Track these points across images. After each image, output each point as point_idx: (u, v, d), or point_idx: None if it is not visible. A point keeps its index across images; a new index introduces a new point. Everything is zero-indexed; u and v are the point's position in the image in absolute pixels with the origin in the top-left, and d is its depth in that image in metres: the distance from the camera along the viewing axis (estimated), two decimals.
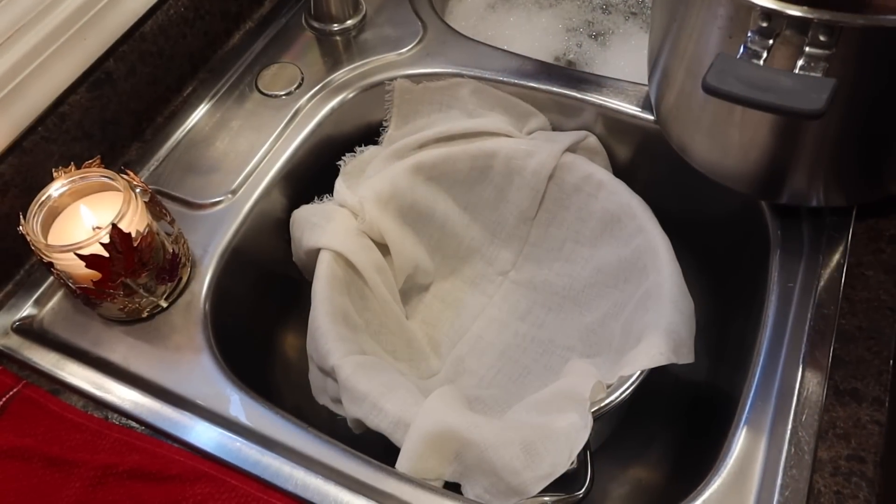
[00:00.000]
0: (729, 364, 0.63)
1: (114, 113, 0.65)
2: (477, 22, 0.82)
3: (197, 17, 0.70)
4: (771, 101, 0.40)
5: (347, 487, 0.48)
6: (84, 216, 0.54)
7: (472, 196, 0.68)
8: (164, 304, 0.57)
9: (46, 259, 0.51)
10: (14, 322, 0.57)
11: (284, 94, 0.69)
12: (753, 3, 0.43)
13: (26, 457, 0.50)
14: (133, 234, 0.51)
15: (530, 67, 0.68)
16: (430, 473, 0.50)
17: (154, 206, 0.56)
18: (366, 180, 0.65)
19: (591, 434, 0.49)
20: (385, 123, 0.69)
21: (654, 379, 0.53)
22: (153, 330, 0.57)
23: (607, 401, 0.51)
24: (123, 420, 0.52)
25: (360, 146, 0.68)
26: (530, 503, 0.48)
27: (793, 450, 0.47)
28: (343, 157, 0.67)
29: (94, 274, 0.51)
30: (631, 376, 0.52)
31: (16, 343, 0.56)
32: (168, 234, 0.57)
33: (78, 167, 0.55)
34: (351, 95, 0.69)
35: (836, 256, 0.55)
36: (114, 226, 0.50)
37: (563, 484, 0.48)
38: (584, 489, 0.49)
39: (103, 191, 0.55)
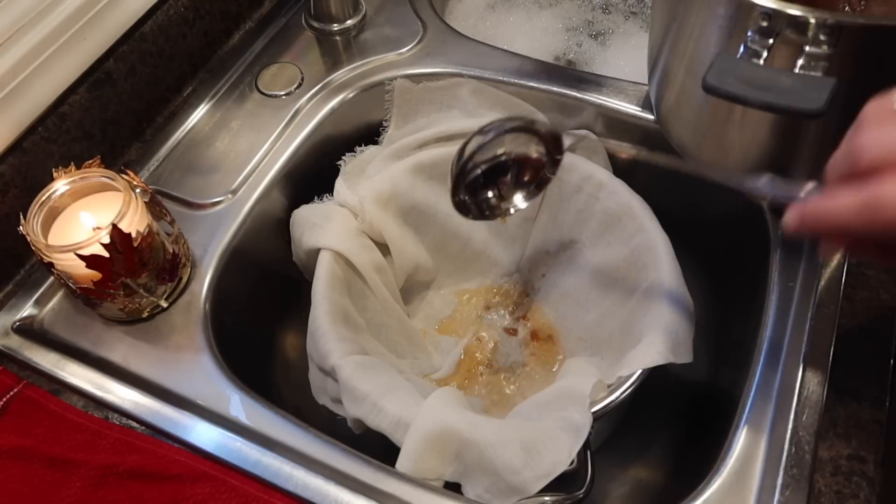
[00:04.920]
0: (729, 364, 0.63)
1: (114, 113, 0.65)
2: (477, 22, 0.82)
3: (197, 17, 0.70)
4: (771, 100, 0.40)
5: (347, 487, 0.48)
6: (84, 216, 0.54)
7: None
8: (165, 304, 0.57)
9: (47, 259, 0.51)
10: (14, 322, 0.57)
11: (284, 94, 0.69)
12: (753, 3, 0.43)
13: (27, 457, 0.50)
14: (133, 235, 0.51)
15: (530, 67, 0.68)
16: (430, 473, 0.50)
17: (154, 206, 0.56)
18: (366, 180, 0.65)
19: (591, 434, 0.49)
20: (385, 123, 0.69)
21: (654, 379, 0.53)
22: (153, 330, 0.57)
23: (607, 400, 0.51)
24: (124, 420, 0.52)
25: (360, 146, 0.68)
26: (530, 502, 0.48)
27: (793, 449, 0.47)
28: (343, 157, 0.67)
29: (94, 274, 0.51)
30: (631, 376, 0.52)
31: (16, 343, 0.56)
32: (168, 234, 0.57)
33: (78, 167, 0.55)
34: (351, 95, 0.69)
35: (837, 256, 0.55)
36: (114, 226, 0.50)
37: (564, 484, 0.48)
38: (584, 489, 0.49)
39: (103, 191, 0.55)
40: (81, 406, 0.53)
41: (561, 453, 0.48)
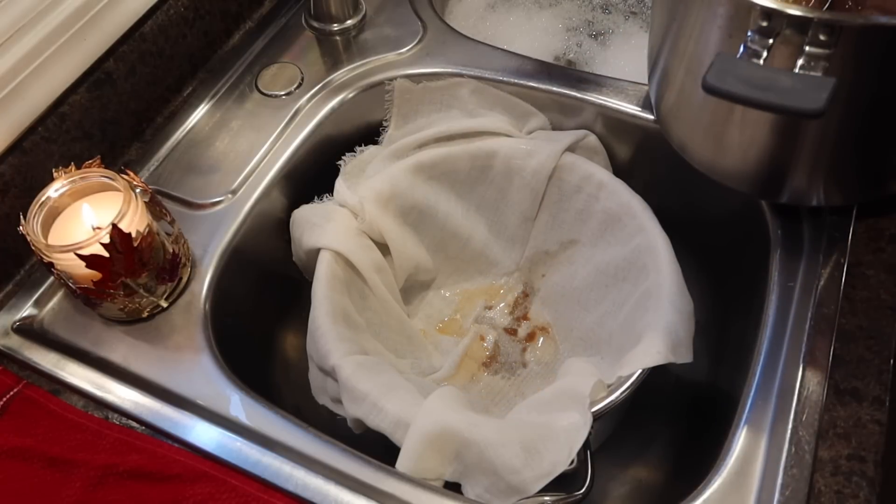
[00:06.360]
0: (729, 364, 0.63)
1: (114, 113, 0.65)
2: (477, 22, 0.82)
3: (197, 17, 0.70)
4: (771, 100, 0.40)
5: (347, 487, 0.48)
6: (84, 216, 0.54)
7: (473, 196, 0.68)
8: (165, 304, 0.57)
9: (47, 259, 0.51)
10: (14, 322, 0.57)
11: (284, 94, 0.69)
12: (753, 3, 0.43)
13: (26, 457, 0.50)
14: (133, 234, 0.51)
15: (530, 67, 0.68)
16: (430, 473, 0.50)
17: (154, 206, 0.56)
18: (366, 180, 0.65)
19: (591, 434, 0.49)
20: (385, 123, 0.69)
21: (654, 379, 0.53)
22: (153, 330, 0.57)
23: (607, 400, 0.51)
24: (124, 420, 0.52)
25: (360, 146, 0.68)
26: (530, 502, 0.48)
27: (793, 449, 0.47)
28: (343, 157, 0.67)
29: (94, 274, 0.51)
30: (631, 376, 0.52)
31: (16, 343, 0.56)
32: (168, 234, 0.57)
33: (78, 167, 0.55)
34: (351, 95, 0.69)
35: (837, 256, 0.55)
36: (114, 226, 0.50)
37: (564, 484, 0.48)
38: (584, 489, 0.49)
39: (103, 191, 0.55)
40: (81, 406, 0.53)
41: (561, 453, 0.48)
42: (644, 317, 0.55)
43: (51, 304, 0.58)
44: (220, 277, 0.59)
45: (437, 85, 0.68)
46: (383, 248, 0.65)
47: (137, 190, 0.54)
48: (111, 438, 0.50)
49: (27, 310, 0.58)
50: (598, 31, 0.80)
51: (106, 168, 0.55)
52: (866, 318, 0.52)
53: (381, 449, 0.51)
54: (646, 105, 0.65)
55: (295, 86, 0.69)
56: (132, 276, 0.53)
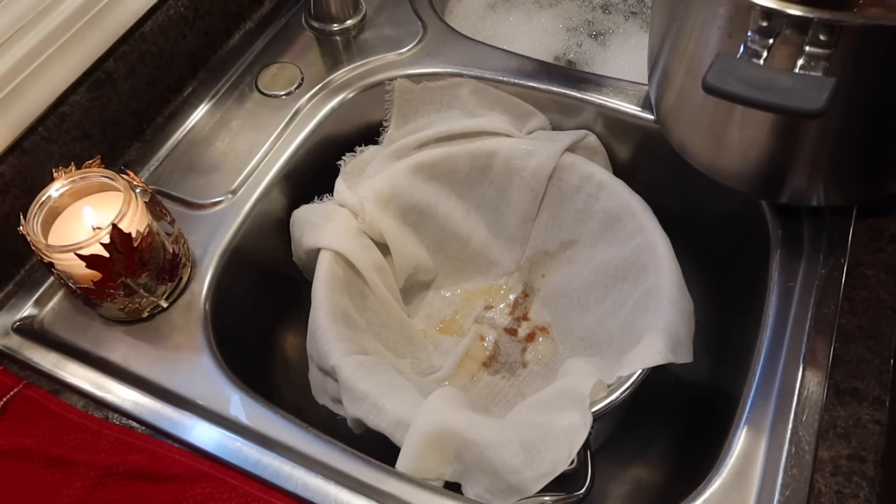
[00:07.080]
0: (729, 364, 0.63)
1: (114, 113, 0.65)
2: (477, 22, 0.82)
3: (197, 17, 0.70)
4: (771, 100, 0.40)
5: (347, 487, 0.48)
6: (84, 216, 0.54)
7: (473, 196, 0.68)
8: (165, 304, 0.57)
9: (47, 259, 0.51)
10: (14, 322, 0.57)
11: (284, 94, 0.69)
12: (753, 3, 0.43)
13: (27, 457, 0.50)
14: (133, 234, 0.51)
15: (530, 67, 0.68)
16: (430, 473, 0.50)
17: (154, 206, 0.56)
18: (366, 180, 0.65)
19: (591, 434, 0.49)
20: (385, 123, 0.69)
21: (654, 379, 0.53)
22: (153, 330, 0.57)
23: (607, 400, 0.51)
24: (124, 420, 0.52)
25: (360, 146, 0.68)
26: (530, 502, 0.48)
27: (793, 449, 0.47)
28: (343, 157, 0.67)
29: (94, 274, 0.51)
30: (631, 376, 0.52)
31: (16, 343, 0.56)
32: (168, 234, 0.57)
33: (78, 167, 0.55)
34: (351, 95, 0.69)
35: (837, 256, 0.55)
36: (114, 226, 0.50)
37: (564, 484, 0.48)
38: (584, 489, 0.49)
39: (103, 191, 0.55)
40: (81, 406, 0.53)
41: (561, 453, 0.48)
42: (644, 317, 0.55)
43: (51, 304, 0.58)
44: (220, 277, 0.59)
45: (437, 85, 0.68)
46: (383, 248, 0.65)
47: (137, 190, 0.54)
48: (111, 438, 0.50)
49: (27, 310, 0.58)
50: (598, 31, 0.80)
51: (106, 168, 0.55)
52: (866, 318, 0.52)
53: (381, 449, 0.51)
54: (646, 105, 0.65)
55: (295, 86, 0.69)
56: (132, 276, 0.53)
